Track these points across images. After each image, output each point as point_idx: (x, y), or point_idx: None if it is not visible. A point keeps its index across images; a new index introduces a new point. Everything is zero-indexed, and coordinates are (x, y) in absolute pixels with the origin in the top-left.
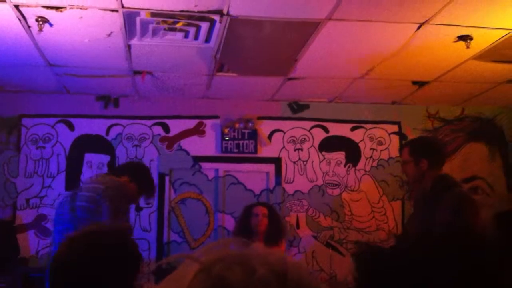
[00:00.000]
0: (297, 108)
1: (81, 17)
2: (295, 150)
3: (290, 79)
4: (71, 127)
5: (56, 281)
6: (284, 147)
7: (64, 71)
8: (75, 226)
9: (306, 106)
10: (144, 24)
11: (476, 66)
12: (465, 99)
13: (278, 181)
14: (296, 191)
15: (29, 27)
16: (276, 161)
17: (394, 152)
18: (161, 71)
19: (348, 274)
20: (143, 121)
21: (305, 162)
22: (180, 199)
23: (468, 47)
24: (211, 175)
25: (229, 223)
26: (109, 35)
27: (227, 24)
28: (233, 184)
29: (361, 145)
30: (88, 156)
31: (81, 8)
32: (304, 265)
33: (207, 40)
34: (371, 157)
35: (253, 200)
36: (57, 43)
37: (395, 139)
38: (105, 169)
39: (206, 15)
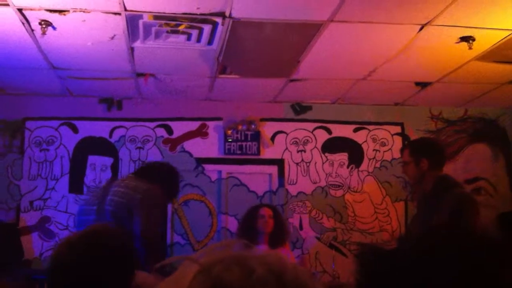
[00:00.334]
0: (299, 110)
1: (84, 20)
2: (298, 151)
3: (292, 80)
4: (74, 129)
5: (55, 281)
6: (287, 148)
7: (67, 74)
8: None
9: (309, 108)
10: (147, 27)
11: (479, 67)
12: (468, 100)
13: (281, 183)
14: (299, 193)
15: (32, 30)
16: (279, 163)
17: (397, 153)
18: (164, 73)
19: (351, 276)
20: (146, 123)
21: (308, 164)
22: (183, 201)
23: (470, 48)
24: (214, 176)
25: (232, 224)
26: (112, 38)
27: (229, 27)
28: (236, 185)
29: (364, 146)
30: (92, 159)
31: (84, 12)
32: (302, 266)
33: (210, 42)
34: (374, 158)
35: (256, 201)
36: (61, 46)
37: (398, 140)
38: (108, 172)
39: (209, 17)
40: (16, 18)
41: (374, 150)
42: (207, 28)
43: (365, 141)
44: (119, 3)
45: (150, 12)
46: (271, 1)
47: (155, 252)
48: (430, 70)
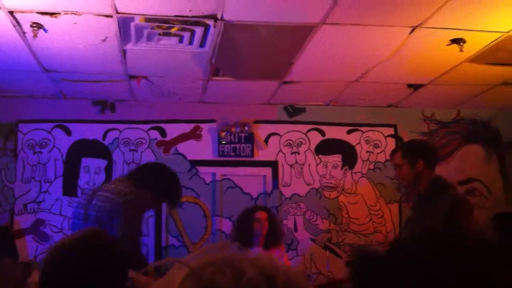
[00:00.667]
0: (293, 112)
1: (75, 23)
2: (291, 153)
3: (285, 82)
4: (68, 132)
5: (47, 285)
6: (280, 150)
7: (60, 77)
8: None
9: (302, 110)
10: (139, 29)
11: (471, 68)
12: (461, 102)
13: (275, 185)
14: (293, 194)
15: (24, 33)
16: (273, 165)
17: None
18: (156, 75)
19: (345, 277)
20: (139, 126)
21: (301, 165)
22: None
23: (461, 50)
24: (208, 179)
25: (227, 226)
26: (104, 40)
27: (221, 29)
28: (230, 187)
29: (357, 148)
30: (85, 161)
31: (75, 14)
32: (294, 268)
33: (202, 44)
34: (367, 160)
35: (250, 203)
36: (52, 48)
37: (391, 142)
38: (102, 174)
39: (201, 20)
40: (7, 20)
41: (367, 151)
42: (199, 31)
43: (358, 143)
44: (111, 6)
45: (141, 14)
46: (263, 4)
47: (131, 258)
48: (422, 72)
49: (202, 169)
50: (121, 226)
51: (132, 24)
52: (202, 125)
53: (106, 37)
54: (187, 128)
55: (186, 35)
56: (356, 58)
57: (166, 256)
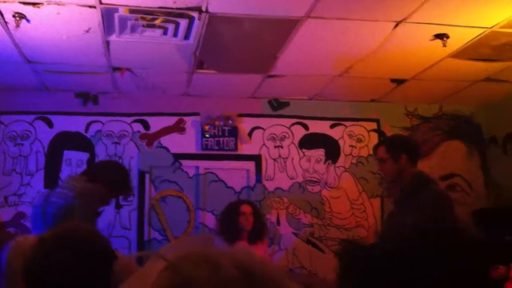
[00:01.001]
0: (277, 106)
1: (58, 13)
2: (275, 147)
3: (270, 76)
4: (50, 124)
5: (31, 284)
6: (264, 144)
7: (42, 68)
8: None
9: (286, 104)
10: (123, 21)
11: (453, 64)
12: (443, 97)
13: (259, 179)
14: (276, 188)
15: (6, 23)
16: (257, 158)
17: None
18: (140, 68)
19: (328, 272)
20: (122, 118)
21: (285, 159)
22: (160, 197)
23: (444, 46)
24: (191, 172)
25: (210, 220)
26: (87, 31)
27: (206, 21)
28: (213, 181)
29: (340, 142)
30: (67, 154)
31: (58, 4)
32: (271, 261)
33: (186, 37)
34: (350, 154)
35: (234, 197)
36: (35, 39)
37: (374, 136)
38: (84, 167)
39: (185, 12)
40: None
41: (350, 146)
42: (183, 23)
43: (341, 137)
44: None
45: (125, 5)
46: None
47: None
48: (406, 67)
49: (185, 163)
50: (76, 218)
51: (116, 15)
52: (185, 118)
53: (90, 28)
54: (170, 121)
55: (171, 27)
56: (340, 52)
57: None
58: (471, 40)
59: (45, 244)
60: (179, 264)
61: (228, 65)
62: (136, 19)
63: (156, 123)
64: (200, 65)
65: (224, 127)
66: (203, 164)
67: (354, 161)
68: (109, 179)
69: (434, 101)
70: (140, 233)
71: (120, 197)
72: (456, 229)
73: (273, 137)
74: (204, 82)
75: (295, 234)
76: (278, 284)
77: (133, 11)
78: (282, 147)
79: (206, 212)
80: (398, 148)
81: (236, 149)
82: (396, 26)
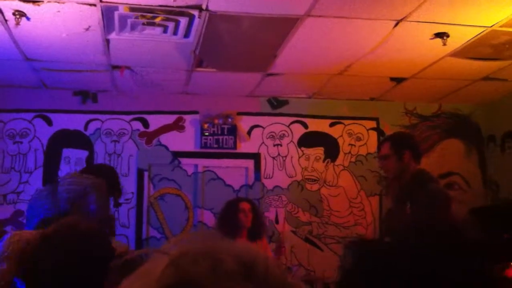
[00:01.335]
0: (276, 104)
1: (58, 11)
2: (274, 145)
3: (269, 75)
4: (49, 122)
5: (33, 280)
6: (263, 142)
7: (42, 66)
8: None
9: (285, 102)
10: (123, 19)
11: (453, 63)
12: (442, 96)
13: (258, 177)
14: (275, 187)
15: (6, 21)
16: (255, 157)
17: (372, 148)
18: (140, 66)
19: (325, 270)
20: (122, 116)
21: (284, 158)
22: (159, 195)
23: (444, 44)
24: (190, 170)
25: (209, 218)
26: (87, 29)
27: (206, 20)
28: (212, 179)
29: (339, 140)
30: (66, 152)
31: (58, 2)
32: (273, 258)
33: (186, 35)
34: (349, 152)
35: (232, 195)
36: (35, 37)
37: (373, 135)
38: (83, 165)
39: (185, 10)
40: None
41: (349, 144)
42: (183, 21)
43: (340, 136)
44: None
45: (126, 3)
46: None
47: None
48: (405, 65)
49: (184, 161)
50: (95, 201)
51: (116, 13)
52: (185, 117)
53: (90, 26)
54: (170, 119)
55: (171, 25)
56: (340, 51)
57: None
58: (471, 39)
59: (45, 242)
60: (180, 260)
61: (228, 63)
62: (136, 17)
63: (155, 121)
64: (199, 63)
65: (223, 126)
66: (202, 162)
67: (353, 159)
68: (108, 178)
69: (433, 100)
70: (138, 231)
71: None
72: (453, 229)
73: (272, 136)
74: (204, 80)
75: (293, 232)
76: (280, 280)
77: (133, 9)
78: (281, 145)
79: (205, 210)
80: (402, 145)
81: (235, 147)
82: (396, 24)
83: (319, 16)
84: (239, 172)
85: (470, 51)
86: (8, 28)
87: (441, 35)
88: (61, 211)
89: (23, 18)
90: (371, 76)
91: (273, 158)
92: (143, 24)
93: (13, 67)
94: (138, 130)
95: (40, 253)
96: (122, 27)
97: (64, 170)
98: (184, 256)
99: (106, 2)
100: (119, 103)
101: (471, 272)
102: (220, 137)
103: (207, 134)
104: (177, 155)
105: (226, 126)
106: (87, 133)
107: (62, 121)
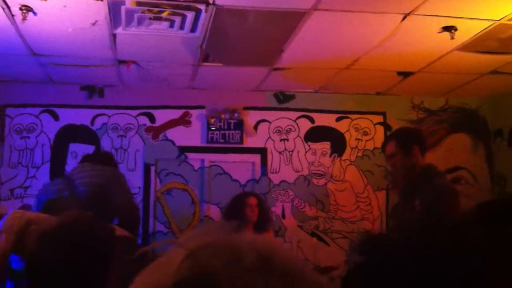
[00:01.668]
0: (283, 99)
1: (65, 6)
2: (280, 140)
3: (276, 69)
4: (55, 117)
5: (35, 277)
6: (270, 137)
7: (48, 61)
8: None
9: (292, 97)
10: (129, 13)
11: (460, 57)
12: (449, 90)
13: (264, 171)
14: (281, 181)
15: (12, 16)
16: (262, 151)
17: (379, 143)
18: (146, 61)
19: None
20: (128, 111)
21: (290, 152)
22: (165, 190)
23: (452, 38)
24: (196, 165)
25: (215, 213)
26: (93, 24)
27: (213, 14)
28: (219, 174)
29: (346, 135)
30: (73, 146)
31: None
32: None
33: (193, 30)
34: (356, 147)
35: (239, 190)
36: (41, 32)
37: (380, 129)
38: None
39: (192, 4)
40: None
41: (356, 139)
42: (190, 15)
43: (347, 130)
44: None
45: None
46: None
47: (137, 220)
48: (412, 59)
49: (191, 156)
50: (123, 197)
51: (123, 7)
52: (191, 111)
53: (96, 21)
54: (176, 114)
55: (177, 19)
56: (347, 45)
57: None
58: (479, 32)
59: (47, 237)
60: (199, 252)
61: (234, 58)
62: (143, 12)
63: (162, 116)
64: (206, 58)
65: (229, 120)
66: (209, 157)
67: (359, 154)
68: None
69: (441, 94)
70: (145, 226)
71: None
72: (458, 225)
73: (279, 130)
74: (210, 75)
75: (300, 227)
76: (299, 273)
77: (140, 3)
78: (287, 140)
79: (211, 205)
80: (409, 141)
81: (241, 142)
82: (404, 18)
83: (326, 10)
84: (246, 167)
85: (477, 44)
86: (14, 23)
87: (449, 28)
88: (78, 200)
89: (30, 13)
90: (378, 70)
91: (280, 152)
92: (150, 18)
93: (19, 62)
94: (145, 125)
95: (40, 249)
96: (129, 22)
97: (71, 164)
98: (203, 249)
99: None
100: (126, 98)
101: (474, 270)
102: (227, 132)
103: (213, 128)
104: (183, 150)
105: (232, 121)
106: (94, 128)
107: (69, 116)
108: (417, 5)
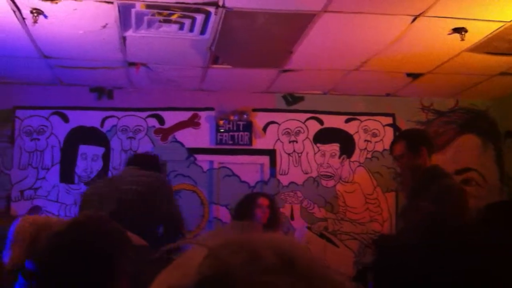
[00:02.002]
0: (291, 100)
1: (75, 9)
2: (289, 142)
3: (285, 71)
4: (65, 119)
5: (44, 280)
6: (278, 139)
7: (58, 63)
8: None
9: (301, 98)
10: (139, 16)
11: (470, 58)
12: (459, 91)
13: (273, 173)
14: (290, 183)
15: (23, 19)
16: (271, 153)
17: (388, 144)
18: (155, 63)
19: (341, 267)
20: (137, 113)
21: (299, 154)
22: (174, 191)
23: (462, 39)
24: (205, 167)
25: (224, 214)
26: (104, 27)
27: (222, 16)
28: (227, 176)
29: (355, 137)
30: (83, 148)
31: (76, 0)
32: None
33: (202, 32)
34: (365, 148)
35: (247, 191)
36: (52, 35)
37: (390, 131)
38: (99, 162)
39: (202, 7)
40: (7, 6)
41: (365, 140)
42: (200, 18)
43: (356, 132)
44: None
45: (142, 1)
46: None
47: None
48: (422, 61)
49: (199, 157)
50: (167, 206)
51: (133, 10)
52: (200, 113)
53: (106, 24)
54: (185, 116)
55: (187, 22)
56: (356, 46)
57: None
58: (489, 34)
59: (54, 238)
60: (219, 251)
61: (243, 60)
62: (153, 14)
63: (171, 118)
64: (215, 60)
65: (238, 122)
66: (217, 159)
67: (369, 155)
68: (161, 171)
69: (450, 95)
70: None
71: None
72: (464, 226)
73: (288, 132)
74: (219, 77)
75: (308, 228)
76: (320, 274)
77: (150, 6)
78: (296, 141)
79: (220, 207)
80: (418, 142)
81: (250, 143)
82: (414, 20)
83: (336, 11)
84: (255, 169)
85: (487, 46)
86: (25, 26)
87: (459, 30)
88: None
89: (41, 16)
90: (388, 71)
91: (289, 154)
92: (160, 21)
93: (30, 64)
94: (154, 126)
95: (47, 249)
96: (139, 25)
97: (80, 166)
98: (224, 248)
99: None
100: (135, 100)
101: (476, 272)
102: (236, 134)
103: (222, 130)
104: (192, 151)
105: (241, 123)
106: (104, 129)
107: (79, 118)
108: (427, 6)
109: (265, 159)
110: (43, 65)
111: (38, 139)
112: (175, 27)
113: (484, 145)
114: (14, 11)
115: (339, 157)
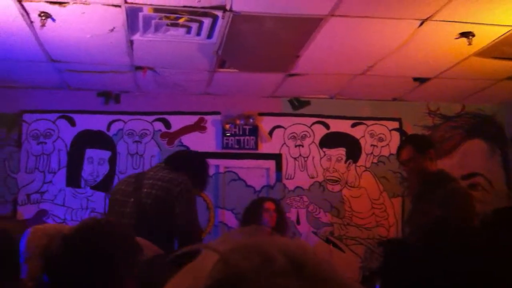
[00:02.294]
0: (298, 105)
1: (83, 13)
2: (295, 146)
3: (291, 75)
4: (72, 122)
5: (53, 280)
6: (284, 143)
7: (65, 67)
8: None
9: (307, 103)
10: (147, 20)
11: (477, 62)
12: (466, 96)
13: (279, 177)
14: (296, 187)
15: (31, 22)
16: (277, 157)
17: (395, 149)
18: (162, 67)
19: (347, 272)
20: (144, 117)
21: (305, 158)
22: None
23: (470, 44)
24: (211, 171)
25: (230, 219)
26: (111, 30)
27: (229, 20)
28: (233, 180)
29: (361, 141)
30: (89, 152)
31: (83, 4)
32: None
33: (209, 36)
34: (371, 153)
35: (253, 196)
36: (59, 38)
37: (396, 135)
38: (106, 165)
39: (209, 10)
40: (15, 9)
41: (371, 145)
42: (207, 22)
43: (362, 136)
44: None
45: (150, 4)
46: None
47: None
48: (429, 65)
49: None
50: (184, 213)
51: (140, 14)
52: (206, 117)
53: (114, 27)
54: (191, 120)
55: (194, 26)
56: (363, 51)
57: None
58: (496, 38)
59: (62, 240)
60: (231, 256)
61: (250, 64)
62: (160, 18)
63: (177, 122)
64: (222, 64)
65: (244, 126)
66: (223, 163)
67: (375, 160)
68: (193, 173)
69: (457, 100)
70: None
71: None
72: (467, 228)
73: (294, 136)
74: (225, 81)
75: (314, 233)
76: (331, 277)
77: (157, 10)
78: (302, 146)
79: (226, 211)
80: (425, 145)
81: (256, 148)
82: (421, 24)
83: (343, 16)
84: (261, 173)
85: (495, 50)
86: (33, 30)
87: (466, 34)
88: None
89: (49, 20)
90: (394, 76)
91: (295, 158)
92: (167, 25)
93: (37, 68)
94: (160, 130)
95: (59, 255)
96: (146, 28)
97: (87, 170)
98: (235, 252)
99: (131, 3)
100: (141, 104)
101: (478, 274)
102: (242, 138)
103: (228, 134)
104: None
105: (247, 127)
106: (110, 133)
107: (85, 122)
108: (435, 11)
109: (271, 164)
110: (50, 69)
111: (45, 143)
112: (182, 31)
113: (491, 150)
114: (22, 15)
115: (345, 162)
